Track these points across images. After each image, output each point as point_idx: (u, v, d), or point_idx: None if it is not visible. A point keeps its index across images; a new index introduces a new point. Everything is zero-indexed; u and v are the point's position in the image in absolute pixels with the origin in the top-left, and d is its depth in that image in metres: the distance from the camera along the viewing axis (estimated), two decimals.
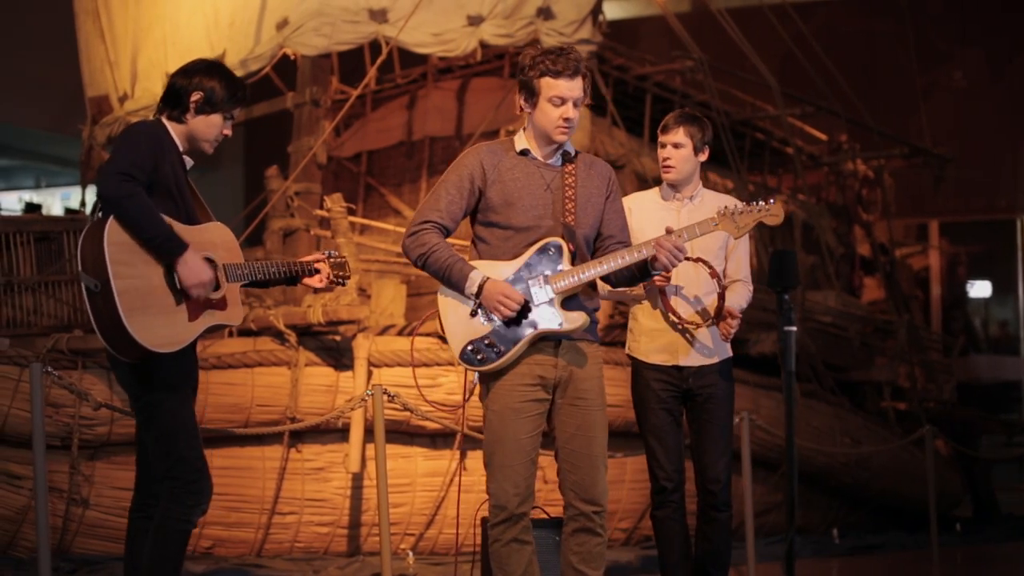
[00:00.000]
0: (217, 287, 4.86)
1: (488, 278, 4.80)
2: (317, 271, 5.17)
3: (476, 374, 4.94)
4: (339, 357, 8.42)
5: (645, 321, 5.83)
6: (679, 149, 5.74)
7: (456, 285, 4.84)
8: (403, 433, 8.55)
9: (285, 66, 10.52)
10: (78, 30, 11.56)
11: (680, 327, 5.71)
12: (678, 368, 5.75)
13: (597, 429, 4.94)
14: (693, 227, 4.98)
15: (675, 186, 5.81)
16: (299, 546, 8.49)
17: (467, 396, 5.13)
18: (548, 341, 4.88)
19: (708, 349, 5.76)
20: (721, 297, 5.60)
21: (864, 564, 10.24)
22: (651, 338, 5.80)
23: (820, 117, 13.97)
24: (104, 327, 4.58)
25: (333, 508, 8.49)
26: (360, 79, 10.52)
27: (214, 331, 4.96)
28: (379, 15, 9.88)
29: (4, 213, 16.20)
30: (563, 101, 4.83)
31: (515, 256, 4.88)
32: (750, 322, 10.60)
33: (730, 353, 5.86)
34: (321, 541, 8.52)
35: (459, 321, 4.88)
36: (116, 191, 4.55)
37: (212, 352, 8.15)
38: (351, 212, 8.98)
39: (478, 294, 4.80)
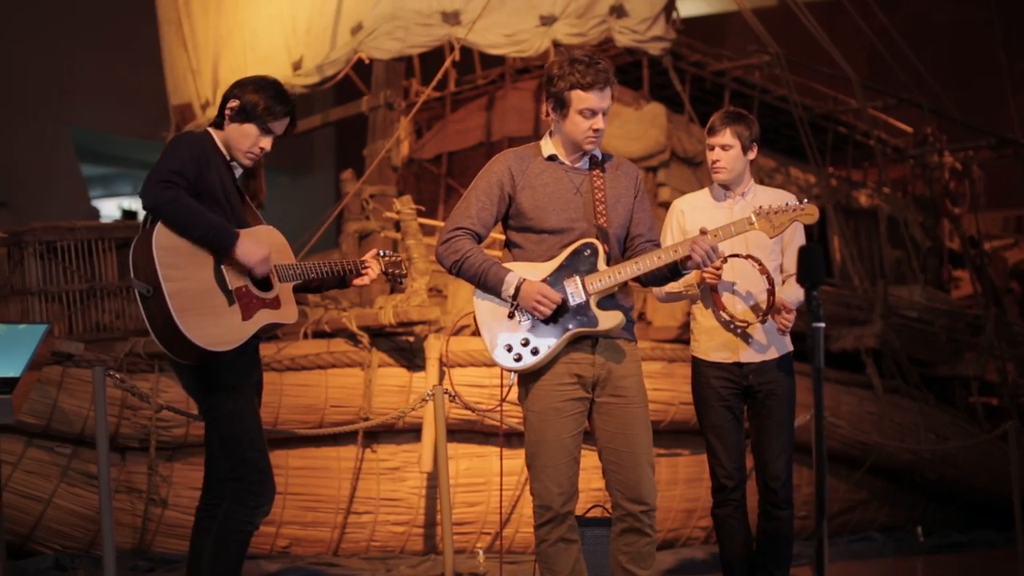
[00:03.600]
0: (270, 287, 4.95)
1: (524, 279, 4.83)
2: (366, 271, 5.24)
3: (512, 375, 4.97)
4: (412, 358, 8.47)
5: (703, 320, 5.83)
6: (728, 150, 5.72)
7: (492, 288, 4.87)
8: (478, 432, 8.60)
9: (367, 68, 10.61)
10: (161, 39, 11.79)
11: (732, 325, 5.69)
12: (738, 365, 5.74)
13: (639, 426, 4.93)
14: (729, 227, 4.96)
15: (726, 185, 5.80)
16: (375, 545, 8.56)
17: (504, 396, 5.18)
18: (585, 340, 4.90)
19: (767, 345, 5.73)
20: (770, 293, 5.58)
21: (948, 563, 10.04)
22: (710, 336, 5.80)
23: (907, 110, 13.75)
24: (159, 330, 4.69)
25: (408, 507, 8.55)
26: (444, 81, 10.55)
27: (269, 330, 5.03)
28: (452, 17, 9.93)
29: (103, 220, 16.62)
30: (593, 113, 4.88)
31: (550, 258, 4.91)
32: (830, 318, 10.47)
33: (790, 348, 5.83)
34: (397, 540, 8.59)
35: (496, 323, 4.90)
36: (158, 197, 4.67)
37: (287, 354, 8.27)
38: (422, 214, 9.05)
39: (515, 295, 4.83)
